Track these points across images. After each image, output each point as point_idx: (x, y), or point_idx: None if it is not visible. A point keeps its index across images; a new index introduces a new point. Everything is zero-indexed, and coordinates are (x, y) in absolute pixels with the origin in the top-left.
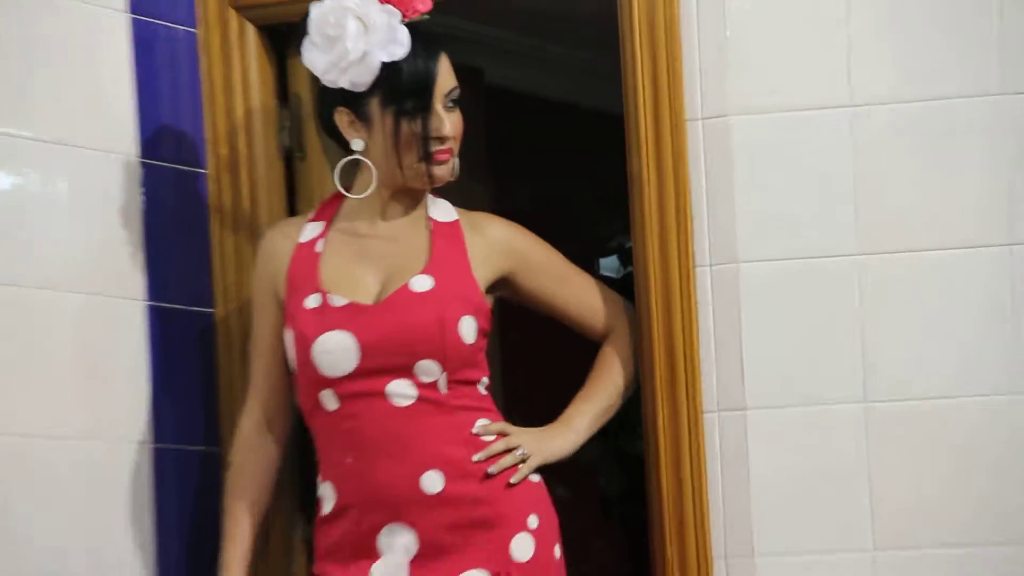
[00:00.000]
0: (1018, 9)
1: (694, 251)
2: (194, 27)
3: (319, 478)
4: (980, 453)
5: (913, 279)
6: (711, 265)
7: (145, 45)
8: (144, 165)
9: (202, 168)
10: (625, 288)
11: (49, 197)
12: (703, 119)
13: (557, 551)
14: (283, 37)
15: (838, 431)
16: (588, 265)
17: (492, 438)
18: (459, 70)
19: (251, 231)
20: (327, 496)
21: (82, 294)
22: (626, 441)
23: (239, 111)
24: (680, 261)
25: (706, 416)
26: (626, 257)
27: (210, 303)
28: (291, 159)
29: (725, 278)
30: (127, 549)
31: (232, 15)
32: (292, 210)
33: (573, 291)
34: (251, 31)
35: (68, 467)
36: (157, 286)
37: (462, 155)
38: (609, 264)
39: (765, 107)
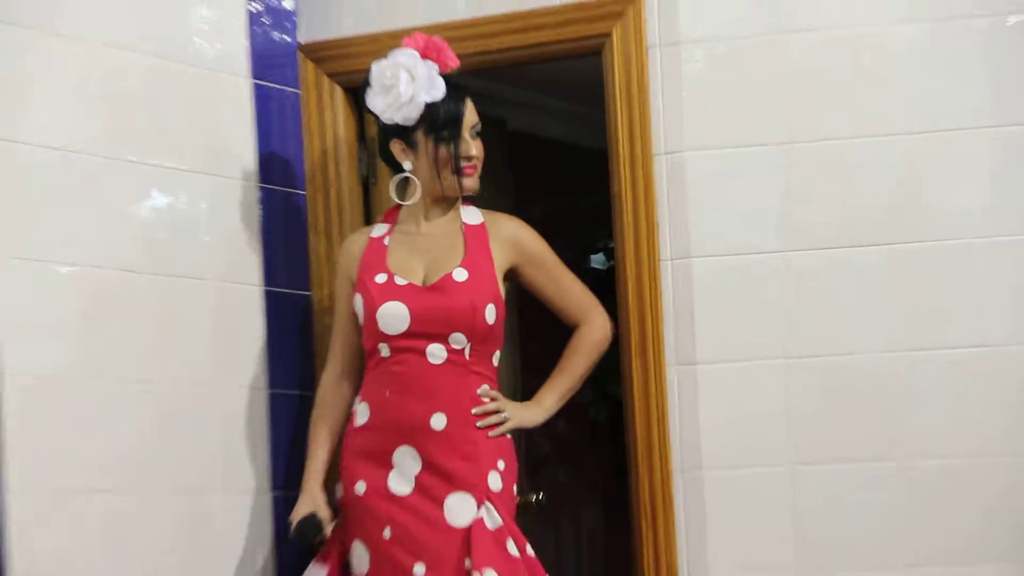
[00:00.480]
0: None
1: (659, 249)
2: (297, 88)
3: (358, 398)
4: (859, 383)
5: (820, 268)
6: (671, 260)
7: (263, 101)
8: (261, 188)
9: (302, 190)
10: (609, 276)
11: (194, 212)
12: (665, 154)
13: (515, 490)
14: (360, 94)
15: (765, 380)
16: (583, 259)
17: (488, 400)
18: (486, 119)
19: (337, 236)
20: (361, 413)
21: (218, 282)
22: (610, 385)
23: (329, 149)
24: (648, 256)
25: (668, 368)
26: (610, 254)
27: (307, 287)
28: (367, 184)
29: (681, 269)
30: (251, 464)
31: (324, 80)
32: (368, 221)
33: (560, 286)
34: (338, 91)
35: (207, 407)
36: (270, 275)
37: (493, 180)
38: (598, 259)
39: (711, 145)
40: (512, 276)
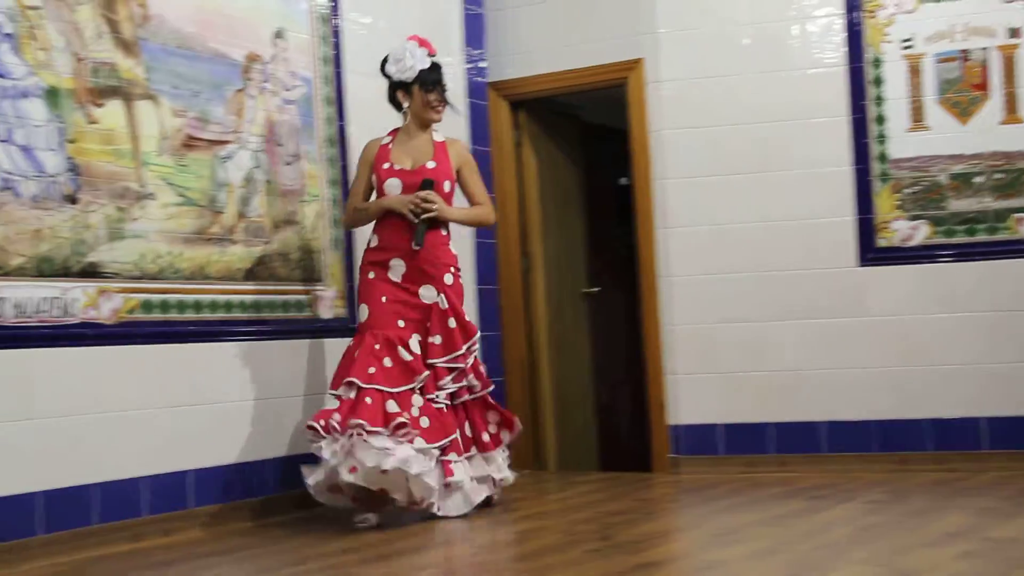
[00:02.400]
0: None
1: (651, 174)
2: (485, 101)
3: (372, 232)
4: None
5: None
6: (657, 180)
7: (476, 108)
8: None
9: (486, 148)
10: (628, 188)
11: None
12: (654, 131)
13: (461, 280)
14: (515, 104)
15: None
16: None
17: (445, 233)
18: (570, 116)
19: (510, 185)
20: (374, 241)
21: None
22: (626, 236)
23: (500, 132)
24: (646, 177)
25: (656, 230)
26: (629, 178)
27: (495, 277)
28: (518, 147)
29: (660, 184)
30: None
31: (498, 96)
32: (519, 169)
33: (473, 182)
34: (504, 104)
35: None
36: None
37: (569, 153)
38: (624, 180)
39: (678, 127)
40: (457, 173)
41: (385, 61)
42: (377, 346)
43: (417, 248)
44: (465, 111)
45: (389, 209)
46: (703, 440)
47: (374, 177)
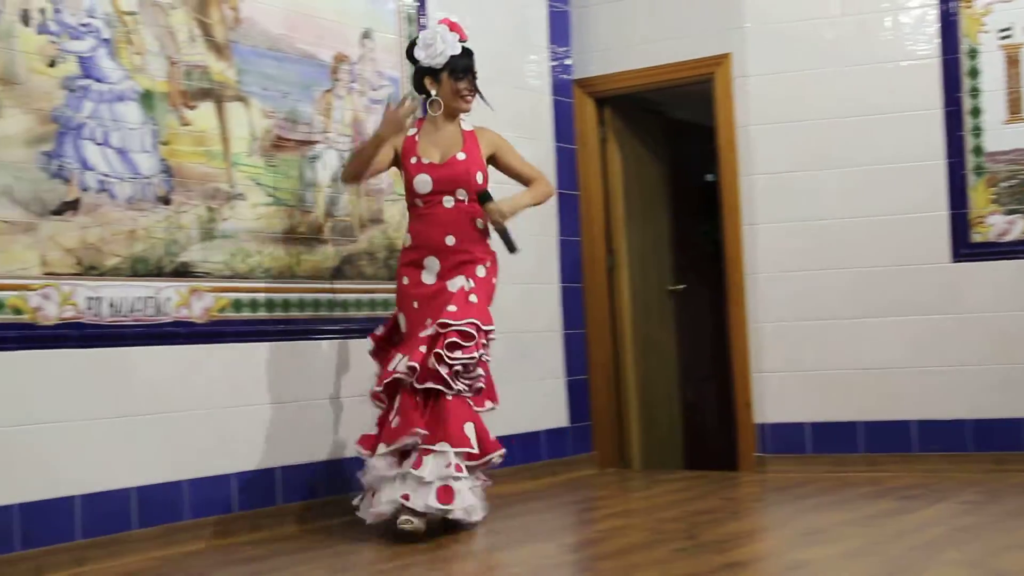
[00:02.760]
0: None
1: (738, 170)
2: (571, 99)
3: (406, 232)
4: None
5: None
6: (744, 176)
7: (559, 105)
8: (556, 147)
9: (572, 145)
10: (715, 184)
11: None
12: (741, 127)
13: (494, 280)
14: (600, 101)
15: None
16: (703, 177)
17: (481, 227)
18: (657, 113)
19: (594, 179)
20: (407, 240)
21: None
22: (714, 232)
23: (585, 128)
24: (733, 174)
25: (743, 225)
26: (715, 175)
27: (579, 275)
28: (603, 143)
29: (747, 180)
30: (551, 383)
31: (583, 93)
32: (603, 163)
33: (518, 161)
34: (589, 101)
35: (514, 340)
36: (563, 215)
37: (653, 149)
38: (711, 176)
39: (765, 122)
40: (491, 160)
41: (413, 45)
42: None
43: (516, 252)
44: (550, 109)
45: (382, 139)
46: (790, 439)
47: (403, 172)
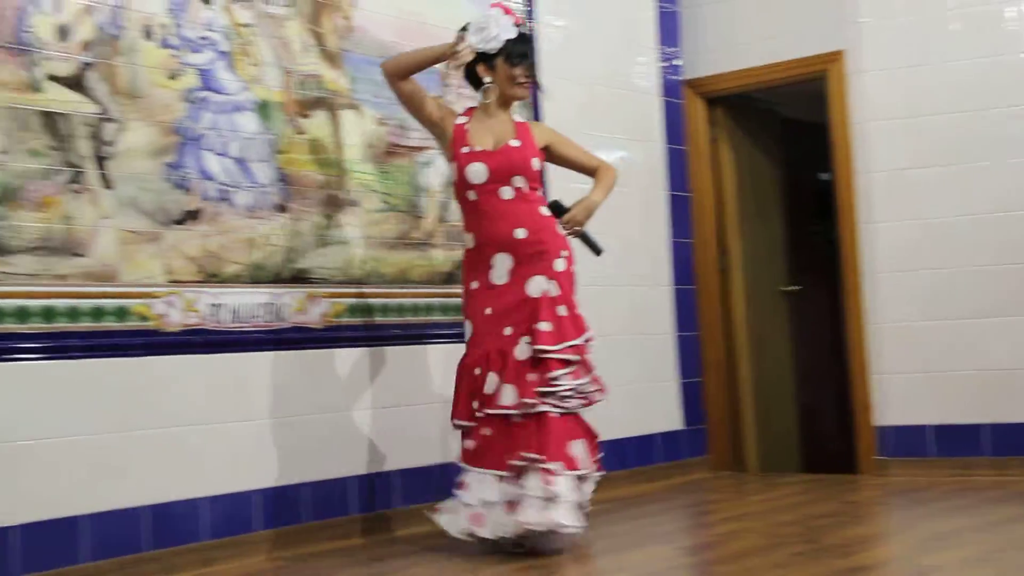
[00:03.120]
0: None
1: (853, 167)
2: (681, 99)
3: (464, 231)
4: None
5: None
6: (861, 173)
7: (669, 106)
8: (668, 148)
9: (682, 146)
10: (830, 183)
11: (627, 165)
12: (855, 123)
13: (575, 270)
14: (710, 101)
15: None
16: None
17: (548, 214)
18: (770, 112)
19: (705, 177)
20: (469, 240)
21: (631, 285)
22: (831, 233)
23: (696, 127)
24: (848, 172)
25: (859, 225)
26: (830, 173)
27: (692, 277)
28: (713, 143)
29: (863, 177)
30: (665, 386)
31: (693, 94)
32: (714, 162)
33: (575, 150)
34: (699, 100)
35: (627, 343)
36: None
37: (766, 148)
38: (826, 176)
39: (879, 118)
40: (547, 152)
41: (464, 30)
42: (477, 370)
43: (602, 253)
44: (660, 111)
45: (437, 54)
46: (912, 442)
47: (451, 164)
